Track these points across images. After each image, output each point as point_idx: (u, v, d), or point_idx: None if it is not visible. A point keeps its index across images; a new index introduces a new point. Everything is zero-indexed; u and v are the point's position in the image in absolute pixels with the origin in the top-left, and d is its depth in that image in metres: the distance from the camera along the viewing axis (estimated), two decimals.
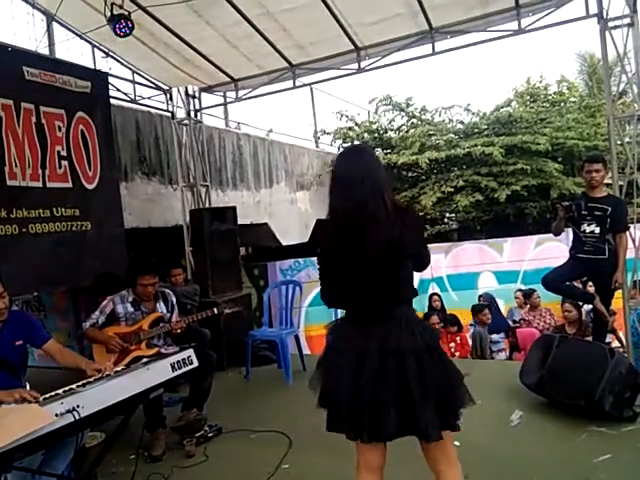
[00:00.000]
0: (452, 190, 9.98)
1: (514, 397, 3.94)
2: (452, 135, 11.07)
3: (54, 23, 5.69)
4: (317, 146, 11.67)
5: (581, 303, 5.41)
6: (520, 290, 7.62)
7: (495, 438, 3.37)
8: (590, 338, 4.68)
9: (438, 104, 11.92)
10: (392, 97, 11.57)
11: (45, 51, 5.67)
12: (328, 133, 11.69)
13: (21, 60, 4.26)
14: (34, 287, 4.43)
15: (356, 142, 11.42)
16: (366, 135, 11.48)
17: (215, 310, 4.06)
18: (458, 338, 6.47)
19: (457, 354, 6.33)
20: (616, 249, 4.08)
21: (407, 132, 11.40)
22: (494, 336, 6.86)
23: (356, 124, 11.63)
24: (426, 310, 7.58)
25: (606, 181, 4.38)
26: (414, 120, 11.62)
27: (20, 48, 5.03)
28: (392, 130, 11.73)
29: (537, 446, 3.23)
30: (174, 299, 3.90)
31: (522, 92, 12.66)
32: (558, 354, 3.72)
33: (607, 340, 4.72)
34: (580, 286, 5.80)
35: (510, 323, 7.31)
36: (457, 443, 3.24)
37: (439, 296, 7.75)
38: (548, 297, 6.33)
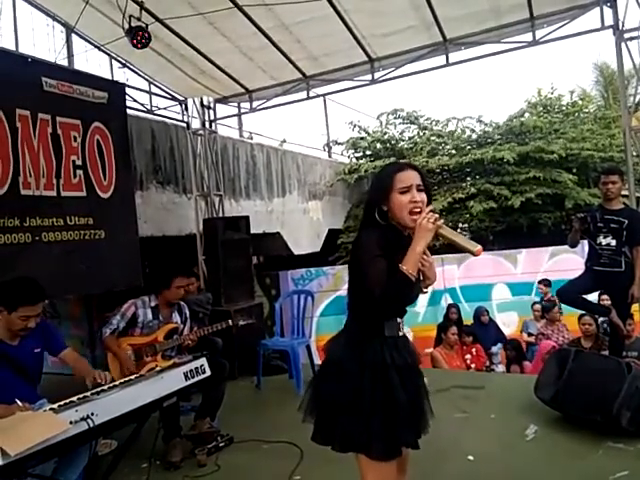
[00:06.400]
0: (464, 197, 9.93)
1: (529, 411, 3.87)
2: (464, 145, 11.05)
3: (73, 35, 5.80)
4: (329, 156, 11.71)
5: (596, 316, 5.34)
6: (539, 303, 7.52)
7: (509, 453, 3.32)
8: (606, 352, 4.61)
9: (451, 115, 11.93)
10: (399, 111, 11.59)
11: (64, 62, 5.78)
12: (340, 143, 11.74)
13: (40, 71, 4.33)
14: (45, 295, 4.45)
15: (368, 152, 11.46)
16: (378, 145, 11.50)
17: (230, 322, 4.09)
18: (474, 350, 6.39)
19: (473, 366, 6.25)
20: (633, 262, 4.03)
21: (417, 140, 11.42)
22: (493, 348, 6.80)
23: (368, 134, 11.66)
24: (440, 321, 7.52)
25: (623, 192, 4.34)
26: (425, 131, 11.63)
27: (39, 59, 5.12)
28: (403, 140, 11.75)
29: (552, 462, 3.17)
30: (188, 312, 3.94)
31: (535, 103, 12.61)
32: (574, 368, 3.66)
33: None
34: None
35: (525, 335, 7.24)
36: (471, 457, 3.24)
37: (457, 308, 7.65)
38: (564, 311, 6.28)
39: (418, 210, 1.81)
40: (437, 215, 1.77)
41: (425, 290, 1.98)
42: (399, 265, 1.74)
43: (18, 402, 2.33)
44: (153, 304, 3.71)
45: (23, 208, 4.04)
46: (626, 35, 4.47)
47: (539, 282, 8.17)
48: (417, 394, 1.93)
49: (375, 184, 1.96)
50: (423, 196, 1.85)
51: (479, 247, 1.79)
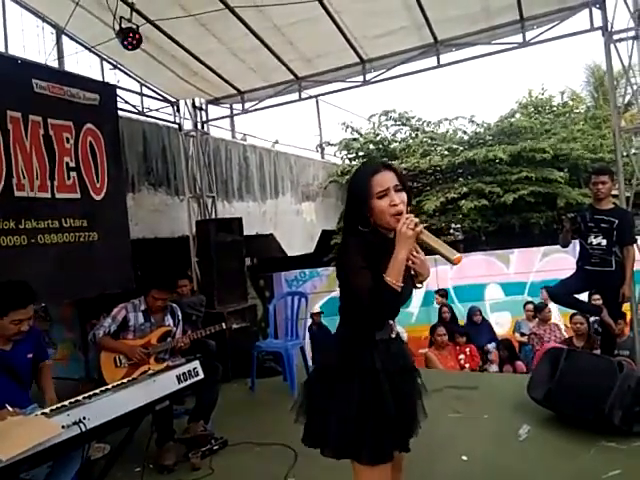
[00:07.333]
0: (456, 197, 9.98)
1: (522, 411, 3.89)
2: (456, 145, 11.11)
3: (63, 36, 5.77)
4: (322, 157, 11.73)
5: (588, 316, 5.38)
6: (531, 303, 7.57)
7: (502, 452, 3.33)
8: (598, 351, 4.64)
9: (442, 116, 11.99)
10: (391, 112, 11.64)
11: (54, 64, 5.74)
12: (333, 144, 11.75)
13: (30, 73, 4.31)
14: (42, 299, 4.38)
15: (360, 153, 11.49)
16: (371, 146, 11.53)
17: (223, 325, 4.08)
18: (467, 350, 6.42)
19: (467, 366, 6.27)
20: (623, 261, 4.06)
21: (410, 142, 11.47)
22: (488, 346, 6.84)
23: (360, 135, 11.69)
24: (435, 322, 7.55)
25: (613, 192, 4.37)
26: (417, 132, 11.68)
27: (29, 61, 5.09)
28: (396, 142, 11.79)
29: (545, 461, 3.19)
30: (180, 313, 3.92)
31: (525, 103, 12.70)
32: (566, 368, 3.68)
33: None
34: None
35: (518, 335, 7.28)
36: (464, 457, 3.25)
37: (449, 307, 7.69)
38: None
39: (400, 212, 1.75)
40: (417, 220, 1.71)
41: (419, 285, 1.94)
42: (383, 276, 1.71)
43: (8, 407, 2.31)
44: (143, 307, 3.70)
45: (18, 210, 4.03)
46: (615, 36, 4.50)
47: (435, 292, 8.21)
48: (409, 399, 1.91)
49: (352, 191, 1.87)
50: (402, 196, 1.79)
51: (458, 255, 1.72)
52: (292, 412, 1.95)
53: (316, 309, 7.74)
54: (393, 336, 1.92)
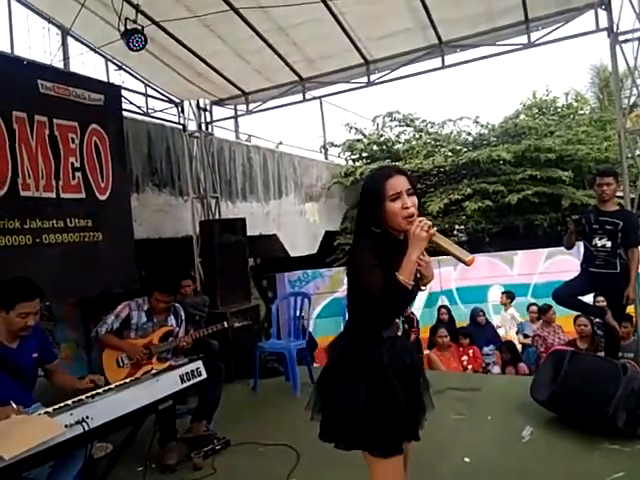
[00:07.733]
0: (460, 198, 9.95)
1: (525, 413, 3.88)
2: (460, 147, 11.08)
3: (69, 37, 5.79)
4: (326, 158, 11.73)
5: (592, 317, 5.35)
6: (535, 304, 7.54)
7: (506, 454, 3.32)
8: (602, 353, 4.62)
9: (447, 117, 11.96)
10: (395, 113, 11.63)
11: (60, 65, 5.76)
12: (337, 145, 11.75)
13: (36, 73, 4.34)
14: (47, 298, 4.40)
15: (364, 154, 11.48)
16: (374, 147, 11.52)
17: (225, 324, 4.09)
18: (470, 351, 6.40)
19: (470, 367, 6.26)
20: (628, 264, 4.05)
21: (414, 143, 11.45)
22: (485, 349, 6.82)
23: (364, 136, 11.68)
24: (434, 323, 7.54)
25: (618, 194, 4.35)
26: (421, 134, 11.66)
27: (35, 61, 5.12)
28: (400, 143, 11.77)
29: (549, 463, 3.18)
30: (183, 314, 3.94)
31: (530, 105, 12.65)
32: (570, 370, 3.67)
33: None
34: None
35: (521, 337, 7.26)
36: (467, 459, 3.24)
37: (447, 309, 7.70)
38: (559, 312, 6.28)
39: (412, 214, 1.82)
40: (430, 223, 1.79)
41: (423, 288, 2.02)
42: (395, 274, 1.77)
43: (12, 404, 2.32)
44: (146, 307, 3.72)
45: (23, 210, 4.05)
46: (620, 37, 4.48)
47: None
48: (416, 393, 1.98)
49: (367, 193, 1.94)
50: (414, 200, 1.87)
51: (471, 257, 1.79)
52: (307, 409, 2.01)
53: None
54: (399, 334, 1.98)
